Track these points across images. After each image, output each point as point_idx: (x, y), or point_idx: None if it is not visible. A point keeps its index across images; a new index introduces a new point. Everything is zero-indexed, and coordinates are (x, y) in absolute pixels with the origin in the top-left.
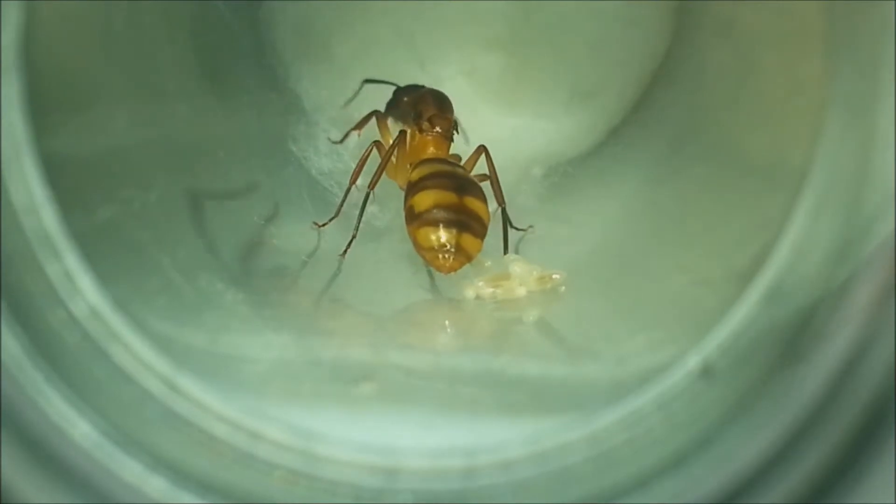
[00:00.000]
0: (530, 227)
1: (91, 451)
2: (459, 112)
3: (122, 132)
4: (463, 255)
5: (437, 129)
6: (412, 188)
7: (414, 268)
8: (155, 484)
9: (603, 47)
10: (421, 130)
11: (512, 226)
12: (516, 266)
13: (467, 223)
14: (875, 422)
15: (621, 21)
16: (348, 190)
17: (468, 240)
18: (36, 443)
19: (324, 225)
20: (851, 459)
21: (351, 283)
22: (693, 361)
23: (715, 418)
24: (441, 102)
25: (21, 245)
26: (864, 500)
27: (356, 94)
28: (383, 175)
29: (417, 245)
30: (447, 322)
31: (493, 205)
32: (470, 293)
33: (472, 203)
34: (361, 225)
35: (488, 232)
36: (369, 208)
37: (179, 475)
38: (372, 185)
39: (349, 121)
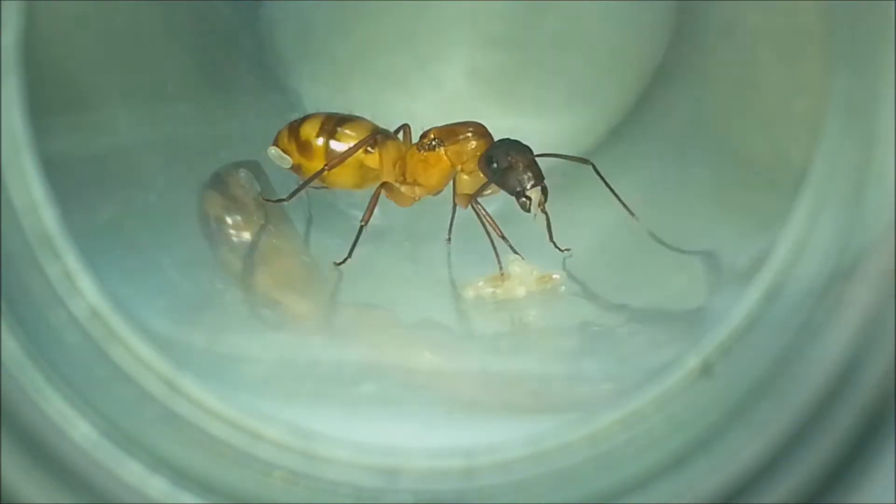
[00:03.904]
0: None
1: (91, 451)
2: (460, 112)
3: (123, 132)
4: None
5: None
6: None
7: (414, 267)
8: (155, 484)
9: (603, 47)
10: None
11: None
12: (516, 266)
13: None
14: (875, 422)
15: (621, 21)
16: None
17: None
18: (36, 443)
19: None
20: (851, 459)
21: (351, 283)
22: (693, 361)
23: (715, 418)
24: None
25: (21, 245)
26: (864, 500)
27: None
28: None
29: None
30: (447, 322)
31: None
32: (470, 293)
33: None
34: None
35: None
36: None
37: (179, 475)
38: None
39: None
